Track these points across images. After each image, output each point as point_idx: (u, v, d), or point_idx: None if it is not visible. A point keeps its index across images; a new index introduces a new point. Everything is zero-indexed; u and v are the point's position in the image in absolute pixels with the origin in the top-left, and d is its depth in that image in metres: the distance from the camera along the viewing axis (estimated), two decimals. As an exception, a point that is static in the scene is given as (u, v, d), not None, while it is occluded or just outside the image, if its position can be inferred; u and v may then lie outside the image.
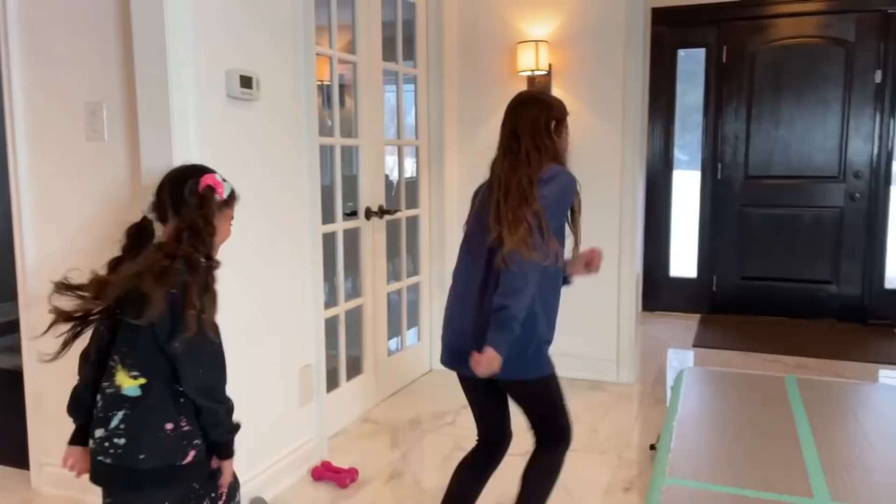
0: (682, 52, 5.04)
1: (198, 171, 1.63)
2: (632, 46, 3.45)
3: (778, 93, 4.76)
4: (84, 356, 1.59)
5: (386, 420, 3.17)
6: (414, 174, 3.76)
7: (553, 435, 2.01)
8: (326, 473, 2.55)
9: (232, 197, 1.66)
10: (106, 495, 1.55)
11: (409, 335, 3.73)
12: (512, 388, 1.95)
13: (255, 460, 2.35)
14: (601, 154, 3.54)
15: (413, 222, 3.68)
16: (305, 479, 2.57)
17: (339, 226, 3.01)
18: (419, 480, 2.60)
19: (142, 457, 1.48)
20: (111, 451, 1.49)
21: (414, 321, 3.80)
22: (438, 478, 2.57)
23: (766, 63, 4.78)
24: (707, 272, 5.10)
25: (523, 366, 1.85)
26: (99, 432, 1.51)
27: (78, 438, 1.60)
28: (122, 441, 1.48)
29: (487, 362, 1.73)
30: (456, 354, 1.91)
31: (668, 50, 4.99)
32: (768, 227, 4.87)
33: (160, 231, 1.61)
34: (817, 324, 4.74)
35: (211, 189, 1.59)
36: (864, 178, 4.65)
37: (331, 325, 2.97)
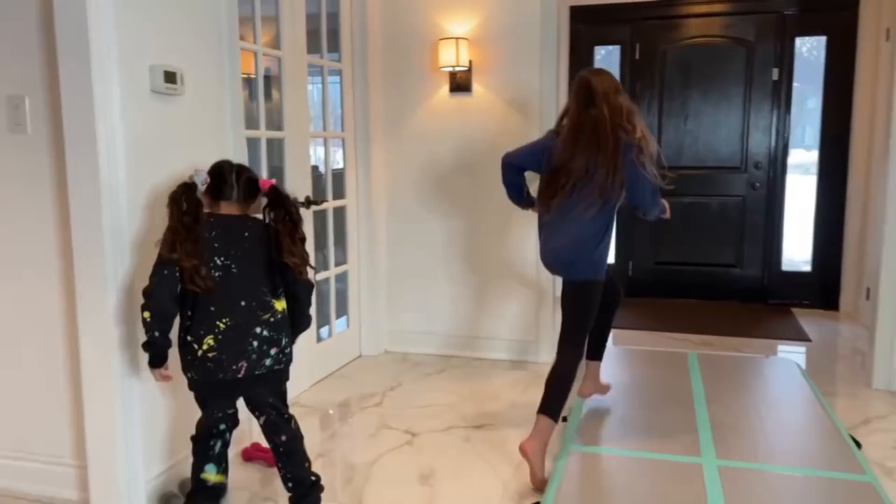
0: (599, 49, 5.30)
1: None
2: (547, 44, 3.63)
3: (686, 88, 5.07)
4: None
5: (315, 403, 3.28)
6: (341, 165, 3.87)
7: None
8: (256, 454, 2.65)
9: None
10: None
11: (339, 323, 3.85)
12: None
13: (183, 443, 2.44)
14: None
15: (340, 213, 3.79)
16: (235, 460, 2.66)
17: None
18: (346, 456, 2.73)
19: None
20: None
21: (343, 309, 3.92)
22: (365, 455, 2.71)
23: (675, 60, 5.08)
24: (624, 258, 5.40)
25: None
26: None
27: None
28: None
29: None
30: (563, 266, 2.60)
31: (585, 47, 5.24)
32: (679, 215, 5.15)
33: None
34: (723, 304, 5.09)
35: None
36: (764, 168, 5.01)
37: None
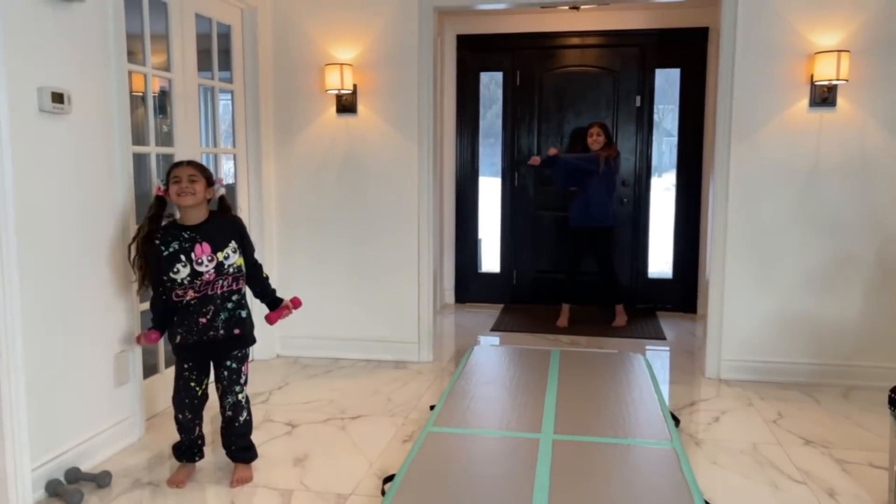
0: (483, 75, 5.74)
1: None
2: (424, 70, 4.00)
3: (561, 112, 5.57)
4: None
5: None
6: (233, 180, 4.10)
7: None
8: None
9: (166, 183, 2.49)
10: None
11: (231, 328, 4.05)
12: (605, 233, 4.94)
13: (70, 433, 2.63)
14: (401, 163, 4.06)
15: (232, 224, 4.02)
16: (125, 451, 2.85)
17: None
18: (229, 447, 2.96)
19: None
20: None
21: (236, 315, 4.13)
22: (246, 443, 2.95)
23: (551, 86, 5.57)
24: (508, 267, 5.82)
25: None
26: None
27: None
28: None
29: None
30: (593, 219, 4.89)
31: (471, 72, 5.66)
32: (557, 227, 5.65)
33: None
34: (595, 309, 5.57)
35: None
36: (630, 185, 5.55)
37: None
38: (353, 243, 4.20)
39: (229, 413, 2.59)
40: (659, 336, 4.86)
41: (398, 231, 4.13)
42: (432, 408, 3.28)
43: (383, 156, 4.09)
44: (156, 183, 3.26)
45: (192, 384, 2.56)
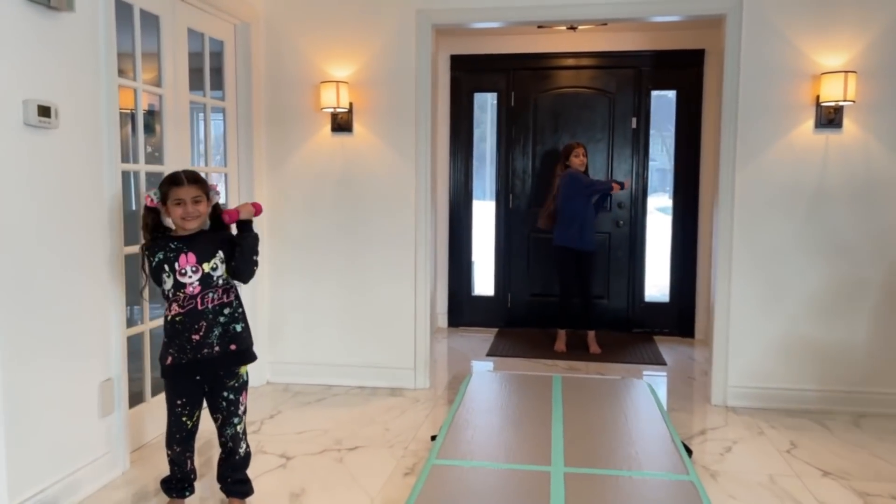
0: (478, 96, 5.66)
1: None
2: (421, 89, 3.90)
3: (556, 133, 5.50)
4: None
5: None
6: (224, 200, 3.96)
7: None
8: None
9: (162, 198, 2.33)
10: None
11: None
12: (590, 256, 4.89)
13: (57, 466, 2.45)
14: (398, 184, 3.95)
15: (222, 245, 3.87)
16: (110, 485, 2.67)
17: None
18: (220, 482, 2.79)
19: None
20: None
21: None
22: (238, 478, 2.78)
23: (546, 108, 5.50)
24: (503, 291, 5.71)
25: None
26: None
27: None
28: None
29: None
30: (586, 242, 4.83)
31: (465, 93, 5.59)
32: (552, 250, 5.54)
33: None
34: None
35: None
36: (627, 208, 5.48)
37: (138, 343, 3.11)
38: (347, 266, 4.06)
39: (230, 445, 2.43)
40: (658, 361, 4.76)
41: (394, 254, 4.01)
42: (433, 438, 3.13)
43: (379, 176, 3.98)
44: (145, 192, 3.12)
45: (185, 419, 2.41)
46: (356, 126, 3.97)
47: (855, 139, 3.53)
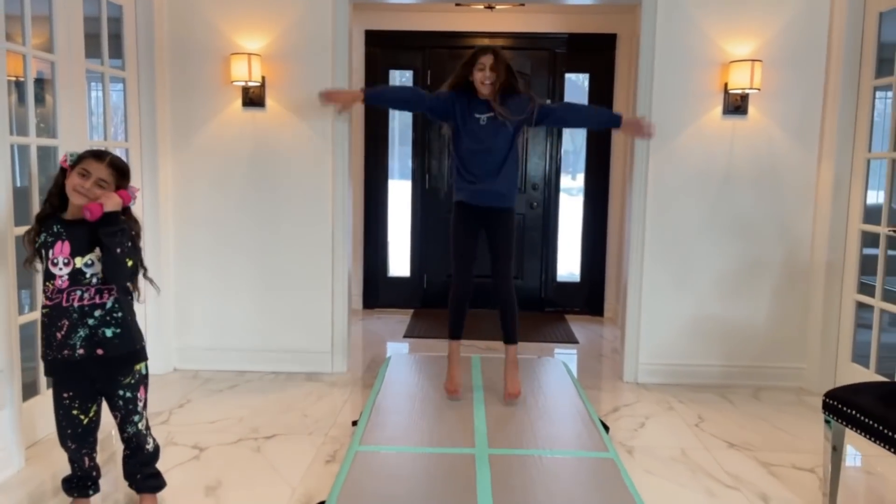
0: (393, 73, 5.55)
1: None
2: (338, 62, 3.77)
3: (473, 114, 5.47)
4: None
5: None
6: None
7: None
8: None
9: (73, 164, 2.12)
10: None
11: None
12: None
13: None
14: (314, 162, 3.81)
15: (124, 225, 3.63)
16: (3, 486, 2.47)
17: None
18: (127, 477, 2.63)
19: None
20: None
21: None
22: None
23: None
24: (419, 272, 5.67)
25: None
26: None
27: None
28: None
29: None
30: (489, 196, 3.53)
31: (381, 70, 5.47)
32: (468, 231, 5.54)
33: None
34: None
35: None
36: (540, 189, 5.54)
37: (31, 329, 2.86)
38: (259, 247, 3.90)
39: (133, 442, 2.28)
40: (571, 339, 4.87)
41: (310, 234, 3.88)
42: (354, 423, 3.07)
43: (294, 154, 3.83)
44: (33, 182, 2.87)
45: (75, 412, 2.20)
46: (269, 101, 3.80)
47: (759, 125, 3.69)
